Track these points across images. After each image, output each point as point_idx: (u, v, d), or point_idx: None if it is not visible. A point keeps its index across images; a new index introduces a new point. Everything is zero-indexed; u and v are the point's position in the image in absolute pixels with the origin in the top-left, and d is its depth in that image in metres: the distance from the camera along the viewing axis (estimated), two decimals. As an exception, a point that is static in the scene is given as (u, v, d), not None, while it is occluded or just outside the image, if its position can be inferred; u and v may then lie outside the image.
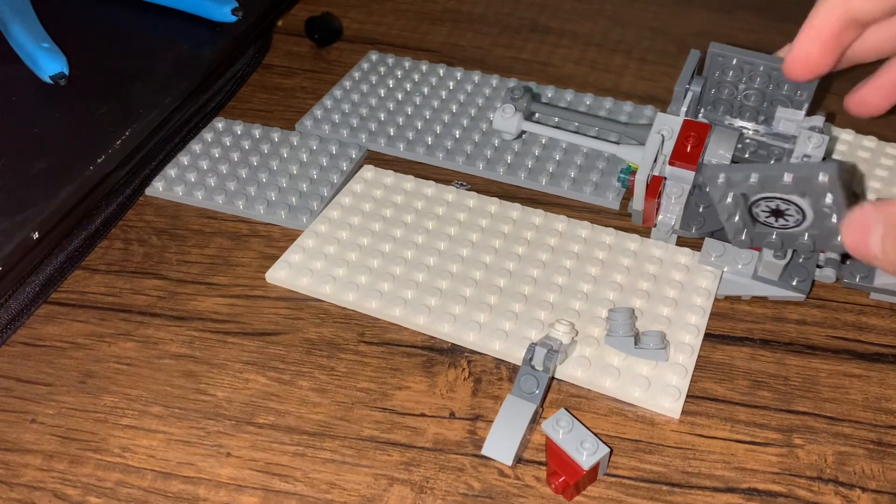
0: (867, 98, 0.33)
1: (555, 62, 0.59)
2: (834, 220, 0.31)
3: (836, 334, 0.38)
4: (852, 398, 0.35)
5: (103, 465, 0.33)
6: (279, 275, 0.40)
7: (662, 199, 0.39)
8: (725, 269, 0.39)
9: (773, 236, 0.35)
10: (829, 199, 0.30)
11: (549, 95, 0.53)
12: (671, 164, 0.38)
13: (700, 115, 0.41)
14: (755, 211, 0.33)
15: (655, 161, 0.38)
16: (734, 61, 0.39)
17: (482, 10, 0.65)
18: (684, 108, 0.39)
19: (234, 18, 0.52)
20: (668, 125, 0.39)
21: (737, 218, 0.34)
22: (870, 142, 0.48)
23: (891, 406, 0.35)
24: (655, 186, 0.38)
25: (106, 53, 0.50)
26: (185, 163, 0.48)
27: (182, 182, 0.46)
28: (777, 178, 0.31)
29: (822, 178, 0.30)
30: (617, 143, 0.42)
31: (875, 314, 0.39)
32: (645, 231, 0.43)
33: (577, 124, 0.49)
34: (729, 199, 0.33)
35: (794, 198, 0.31)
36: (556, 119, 0.49)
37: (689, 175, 0.38)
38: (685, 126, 0.39)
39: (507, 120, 0.43)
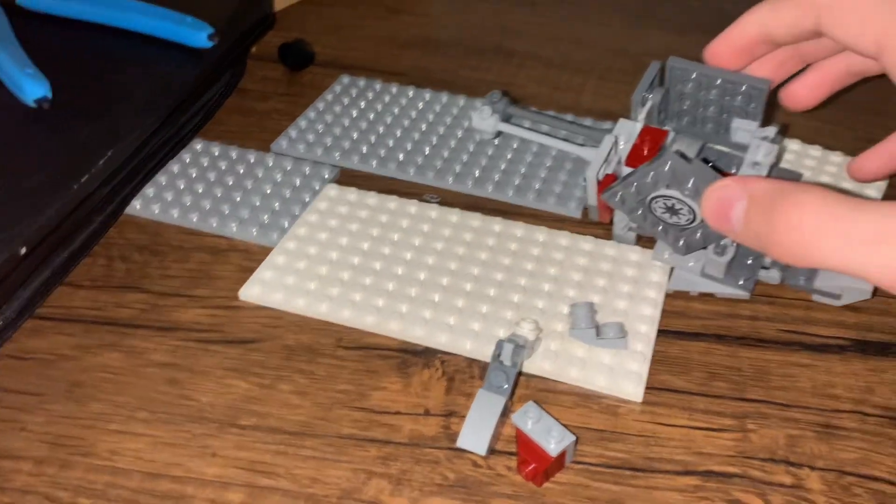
0: (799, 92, 0.36)
1: (519, 82, 0.61)
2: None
3: (785, 328, 0.41)
4: (801, 386, 0.38)
5: (93, 468, 0.34)
6: (252, 291, 0.42)
7: None
8: (676, 266, 0.42)
9: (698, 235, 0.37)
10: (690, 184, 0.33)
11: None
12: (627, 164, 0.41)
13: (666, 126, 0.44)
14: (659, 214, 0.36)
15: (608, 161, 0.41)
16: (693, 74, 0.41)
17: (449, 35, 0.68)
18: (642, 115, 0.42)
19: (210, 44, 0.54)
20: (626, 130, 0.42)
21: (653, 223, 0.37)
22: (815, 150, 0.51)
23: (836, 392, 0.37)
24: (606, 183, 0.40)
25: (87, 78, 0.51)
26: (164, 182, 0.49)
27: (160, 201, 0.48)
28: (645, 178, 0.34)
29: (669, 167, 0.33)
30: (581, 145, 0.44)
31: (822, 309, 0.42)
32: (600, 233, 0.46)
33: (547, 128, 0.51)
34: (639, 211, 0.37)
35: (671, 192, 0.34)
36: (528, 124, 0.51)
37: None
38: (644, 131, 0.41)
39: (485, 120, 0.45)
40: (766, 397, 0.37)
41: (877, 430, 0.36)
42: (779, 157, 0.48)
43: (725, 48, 0.33)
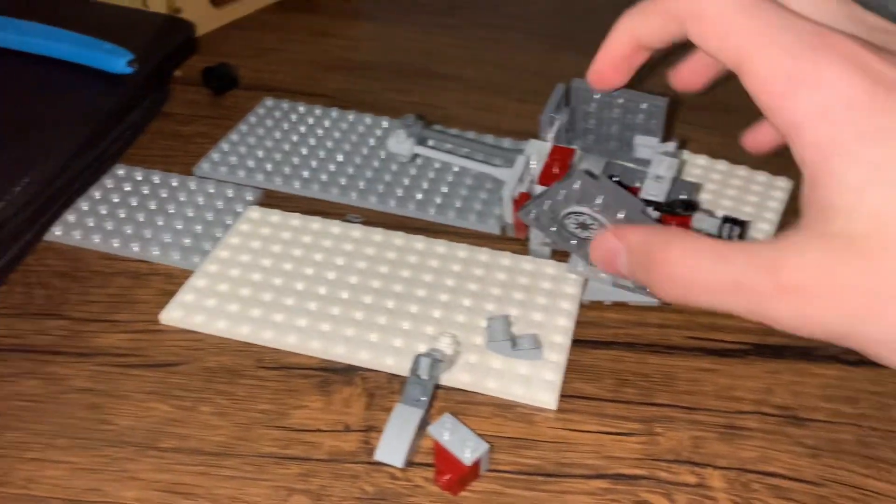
0: (684, 74, 0.37)
1: (441, 104, 0.63)
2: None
3: (692, 335, 0.43)
4: (705, 389, 0.40)
5: (7, 497, 0.34)
6: (173, 315, 0.42)
7: None
8: (590, 278, 0.43)
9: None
10: (599, 200, 0.35)
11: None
12: (539, 183, 0.42)
13: (573, 144, 0.46)
14: (571, 230, 0.38)
15: (522, 180, 0.42)
16: (597, 95, 0.43)
17: (374, 59, 0.69)
18: (551, 135, 0.43)
19: (129, 70, 0.54)
20: (536, 150, 0.43)
21: (566, 238, 0.39)
22: (721, 165, 0.54)
23: (738, 394, 0.39)
24: (521, 202, 0.42)
25: (2, 105, 0.51)
26: (85, 208, 0.49)
27: (80, 227, 0.48)
28: (557, 196, 0.36)
29: (578, 185, 0.34)
30: (497, 166, 0.46)
31: (727, 316, 0.44)
32: (518, 248, 0.47)
33: (466, 150, 0.52)
34: (553, 228, 0.38)
35: (581, 208, 0.36)
36: (448, 146, 0.53)
37: None
38: (553, 150, 0.43)
39: (400, 143, 0.46)
40: (672, 401, 0.39)
41: (775, 428, 0.38)
42: (680, 170, 0.50)
43: (605, 66, 0.33)
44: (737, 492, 0.35)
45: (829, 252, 0.22)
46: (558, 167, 0.42)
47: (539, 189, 0.42)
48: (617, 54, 0.31)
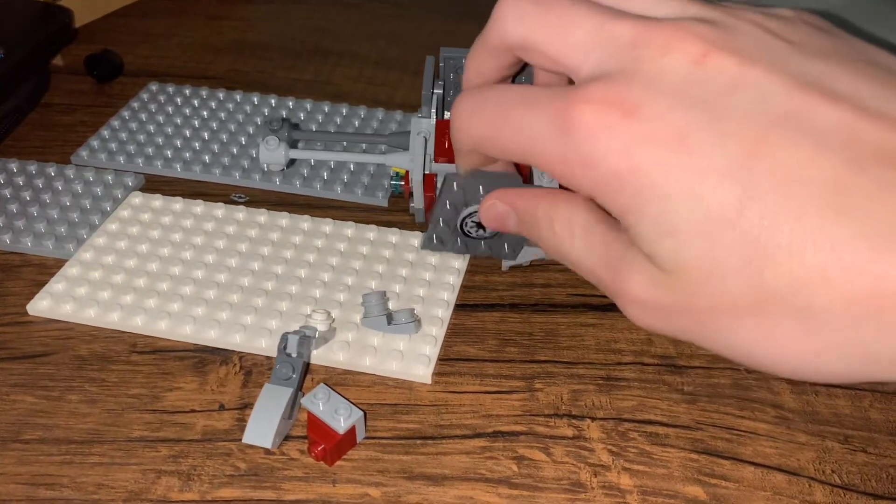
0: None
1: (334, 80, 0.62)
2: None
3: (575, 292, 0.43)
4: (587, 344, 0.40)
5: None
6: (41, 305, 0.41)
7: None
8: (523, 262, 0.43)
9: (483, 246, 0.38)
10: (481, 191, 0.34)
11: (325, 110, 0.56)
12: (436, 160, 0.41)
13: (447, 116, 0.45)
14: (474, 235, 0.37)
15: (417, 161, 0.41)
16: (463, 61, 0.43)
17: (266, 38, 0.68)
18: (433, 111, 0.43)
19: (-2, 57, 0.52)
20: (424, 128, 0.42)
21: (474, 246, 0.38)
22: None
23: (619, 346, 0.40)
24: (430, 182, 0.41)
25: None
26: (-47, 203, 0.47)
27: (-53, 221, 0.46)
28: (445, 208, 0.35)
29: (455, 187, 0.33)
30: (383, 153, 0.45)
31: (611, 272, 0.44)
32: (407, 221, 0.46)
33: (345, 143, 0.51)
34: (458, 242, 0.37)
35: (471, 209, 0.35)
36: (320, 145, 0.52)
37: (451, 168, 0.41)
38: (439, 126, 0.42)
39: (272, 152, 0.43)
40: (553, 357, 0.39)
41: (654, 377, 0.38)
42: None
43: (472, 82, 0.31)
44: (613, 441, 0.35)
45: (652, 276, 0.22)
46: (448, 141, 0.41)
47: (437, 167, 0.41)
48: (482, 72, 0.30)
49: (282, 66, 0.63)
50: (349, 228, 0.46)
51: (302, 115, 0.56)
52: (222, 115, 0.55)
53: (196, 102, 0.57)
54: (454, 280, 0.42)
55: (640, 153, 0.21)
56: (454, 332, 0.40)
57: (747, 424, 0.36)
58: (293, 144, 0.45)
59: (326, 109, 0.56)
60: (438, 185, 0.41)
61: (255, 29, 0.69)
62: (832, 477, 0.34)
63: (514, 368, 0.38)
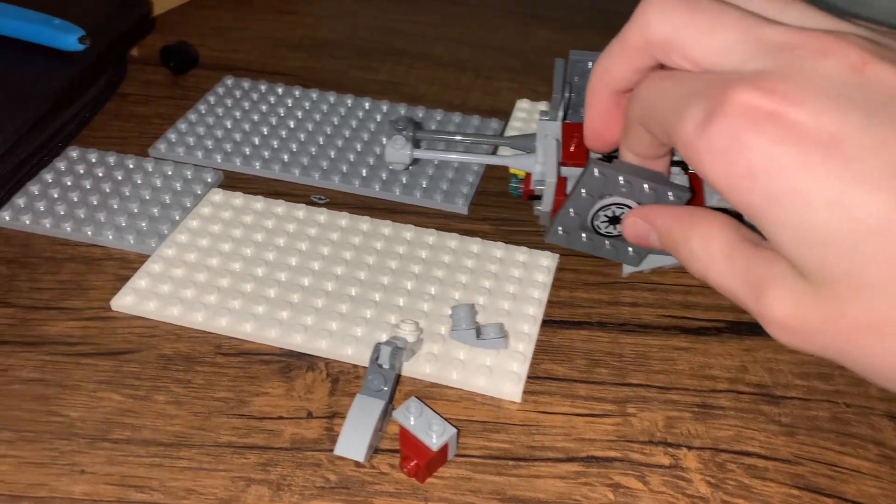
0: None
1: (409, 82, 0.61)
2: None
3: (665, 313, 0.42)
4: (679, 368, 0.39)
5: (-52, 494, 0.32)
6: (125, 301, 0.40)
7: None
8: (645, 270, 0.42)
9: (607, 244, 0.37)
10: (622, 181, 0.32)
11: (402, 112, 0.56)
12: (563, 164, 0.40)
13: (571, 119, 0.44)
14: (604, 231, 0.35)
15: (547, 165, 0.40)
16: (589, 64, 0.41)
17: (339, 37, 0.67)
18: (560, 113, 0.41)
19: (81, 47, 0.52)
20: (552, 131, 0.41)
21: (600, 245, 0.36)
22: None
23: (713, 373, 0.38)
24: (562, 186, 0.40)
25: (-55, 85, 0.49)
26: (35, 192, 0.47)
27: (30, 211, 0.46)
28: (579, 198, 0.33)
29: (597, 174, 0.32)
30: (499, 155, 0.43)
31: (700, 293, 0.43)
32: (489, 230, 0.46)
33: (462, 143, 0.50)
34: (584, 237, 0.36)
35: (607, 200, 0.33)
36: (441, 145, 0.51)
37: (579, 172, 0.40)
38: (565, 129, 0.41)
39: (399, 151, 0.43)
40: (646, 381, 0.38)
41: (750, 407, 0.37)
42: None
43: (595, 125, 0.30)
44: (711, 472, 0.34)
45: (797, 292, 0.22)
46: (576, 144, 0.40)
47: (563, 171, 0.40)
48: (601, 110, 0.29)
49: (354, 65, 0.63)
50: (430, 236, 0.45)
51: (378, 117, 0.55)
52: (299, 113, 0.55)
53: (272, 99, 0.56)
54: (540, 294, 0.42)
55: (785, 152, 0.20)
56: (541, 349, 0.39)
57: (849, 461, 0.35)
58: (416, 144, 0.45)
59: (402, 112, 0.56)
60: (569, 188, 0.40)
61: (326, 26, 0.69)
62: (941, 523, 0.33)
63: (606, 391, 0.37)
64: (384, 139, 0.52)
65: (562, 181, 0.40)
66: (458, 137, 0.46)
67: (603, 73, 0.28)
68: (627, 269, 0.42)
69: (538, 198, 0.42)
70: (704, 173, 0.22)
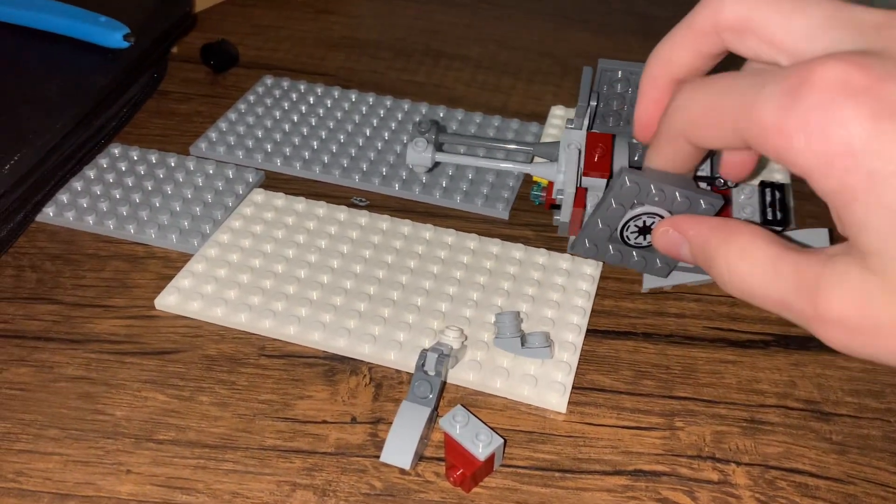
0: (728, 167, 0.31)
1: (447, 84, 0.61)
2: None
3: (711, 325, 0.41)
4: (727, 382, 0.38)
5: (-4, 491, 0.32)
6: (169, 301, 0.40)
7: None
8: (671, 284, 0.42)
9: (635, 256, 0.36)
10: (653, 190, 0.31)
11: (441, 115, 0.55)
12: (585, 174, 0.39)
13: (597, 128, 0.43)
14: (633, 242, 0.35)
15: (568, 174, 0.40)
16: (619, 73, 0.41)
17: (377, 37, 0.67)
18: (586, 122, 0.41)
19: (126, 44, 0.52)
20: (575, 140, 0.40)
21: (628, 256, 0.36)
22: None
23: (761, 387, 0.38)
24: (581, 196, 0.40)
25: (-8, 80, 0.49)
26: (79, 188, 0.47)
27: (74, 207, 0.46)
28: (608, 209, 0.33)
29: (628, 183, 0.31)
30: (520, 162, 0.43)
31: (747, 305, 0.42)
32: (531, 236, 0.45)
33: (485, 149, 0.50)
34: (610, 249, 0.35)
35: (638, 210, 0.33)
36: (463, 149, 0.50)
37: (601, 182, 0.39)
38: (590, 138, 0.40)
39: (420, 153, 0.43)
40: (693, 394, 0.37)
41: (799, 423, 0.36)
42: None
43: (647, 116, 0.28)
44: (761, 489, 0.33)
45: (866, 289, 0.20)
46: (599, 154, 0.40)
47: (586, 181, 0.40)
48: (656, 98, 0.27)
49: (393, 66, 0.63)
50: (472, 241, 0.45)
51: (417, 119, 0.55)
52: (338, 114, 0.55)
53: (311, 99, 0.56)
54: (584, 303, 0.41)
55: (880, 129, 0.19)
56: (586, 359, 0.39)
57: (904, 483, 0.34)
58: (439, 147, 0.44)
59: (441, 114, 0.55)
60: (588, 201, 0.40)
61: (364, 26, 0.69)
62: None
63: (653, 403, 0.37)
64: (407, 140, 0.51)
65: (581, 192, 0.39)
66: (478, 137, 0.46)
67: (663, 60, 0.27)
68: (648, 284, 0.42)
69: (559, 207, 0.41)
70: (792, 158, 0.20)
